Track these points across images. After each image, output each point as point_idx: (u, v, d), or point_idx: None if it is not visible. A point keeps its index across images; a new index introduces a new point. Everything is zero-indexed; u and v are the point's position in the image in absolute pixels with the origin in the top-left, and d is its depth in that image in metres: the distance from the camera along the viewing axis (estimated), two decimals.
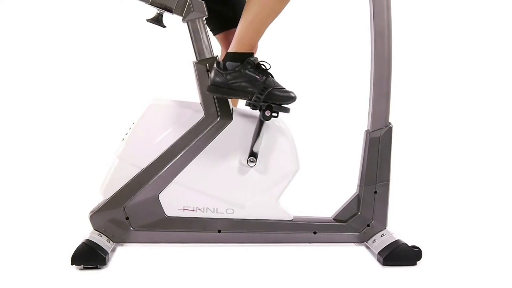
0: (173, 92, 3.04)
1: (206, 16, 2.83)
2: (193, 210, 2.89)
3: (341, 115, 4.21)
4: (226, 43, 3.01)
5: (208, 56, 2.85)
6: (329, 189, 3.39)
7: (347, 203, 2.95)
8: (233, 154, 2.87)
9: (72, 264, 2.75)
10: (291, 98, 2.73)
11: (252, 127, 2.86)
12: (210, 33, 2.89)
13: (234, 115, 2.87)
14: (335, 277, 2.69)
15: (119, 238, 2.88)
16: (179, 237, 2.90)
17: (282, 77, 2.79)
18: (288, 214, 2.92)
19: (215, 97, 2.84)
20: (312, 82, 4.43)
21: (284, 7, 2.73)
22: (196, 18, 2.82)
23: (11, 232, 3.15)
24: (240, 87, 2.73)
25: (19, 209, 3.47)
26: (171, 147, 2.86)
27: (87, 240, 2.80)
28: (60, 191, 3.68)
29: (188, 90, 2.93)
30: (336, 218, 2.96)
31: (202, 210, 2.89)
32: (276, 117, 2.76)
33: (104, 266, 2.76)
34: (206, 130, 2.86)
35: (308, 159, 2.98)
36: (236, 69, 2.72)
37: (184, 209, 2.89)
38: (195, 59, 2.86)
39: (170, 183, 2.87)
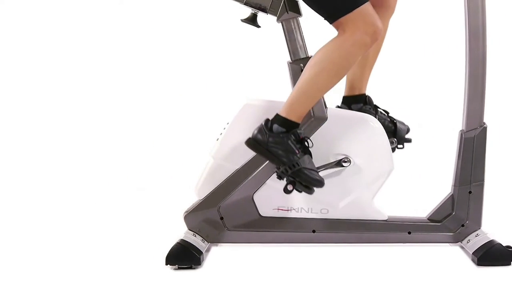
0: (267, 92, 3.04)
1: (301, 16, 2.82)
2: (288, 210, 2.89)
3: (436, 115, 4.18)
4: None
5: (302, 56, 2.84)
6: (424, 189, 3.36)
7: (441, 203, 2.92)
8: (327, 154, 2.86)
9: (166, 264, 2.76)
10: (317, 183, 2.70)
11: (346, 127, 2.85)
12: (305, 33, 2.87)
13: (328, 115, 2.86)
14: (429, 277, 2.67)
15: (214, 238, 2.89)
16: (273, 237, 2.90)
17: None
18: (382, 214, 2.90)
19: None
20: (407, 82, 4.41)
21: (338, 81, 2.70)
22: (291, 18, 2.82)
23: (108, 232, 3.19)
24: (277, 154, 2.70)
25: (115, 209, 3.50)
26: None
27: (182, 240, 2.82)
28: (155, 191, 3.70)
29: (282, 90, 2.92)
30: (431, 218, 2.93)
31: (296, 210, 2.89)
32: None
33: (199, 266, 2.77)
34: (301, 130, 2.84)
35: (402, 159, 2.95)
36: (281, 135, 2.70)
37: (278, 209, 2.89)
38: (289, 59, 2.86)
39: (264, 183, 2.86)
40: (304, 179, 2.68)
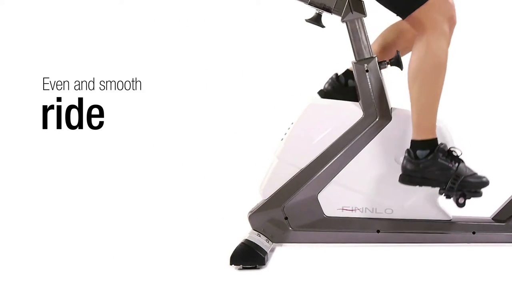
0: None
1: (365, 16, 2.82)
2: (352, 210, 2.89)
3: (501, 114, 4.17)
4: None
5: (367, 56, 2.84)
6: (488, 188, 3.34)
7: (506, 203, 2.90)
8: (392, 154, 2.86)
9: (231, 264, 2.77)
10: (484, 184, 2.73)
11: (409, 127, 2.84)
12: (369, 33, 2.87)
13: (393, 115, 2.86)
14: (493, 277, 2.67)
15: (278, 238, 2.89)
16: (338, 237, 2.89)
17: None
18: (447, 214, 2.89)
19: (374, 97, 2.83)
20: (473, 83, 4.39)
21: (443, 78, 2.70)
22: (355, 18, 2.82)
23: (173, 232, 3.20)
24: (434, 175, 2.71)
25: (181, 210, 3.52)
26: (330, 147, 2.86)
27: (246, 240, 2.82)
28: (219, 191, 3.72)
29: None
30: (495, 218, 2.91)
31: (361, 210, 2.88)
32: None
33: (263, 266, 2.78)
34: (365, 130, 2.85)
35: (466, 158, 2.94)
36: (429, 158, 2.71)
37: (343, 209, 2.88)
38: (354, 59, 2.86)
39: (329, 183, 2.86)
40: (471, 186, 2.71)
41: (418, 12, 2.63)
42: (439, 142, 2.76)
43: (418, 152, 2.72)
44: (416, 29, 2.67)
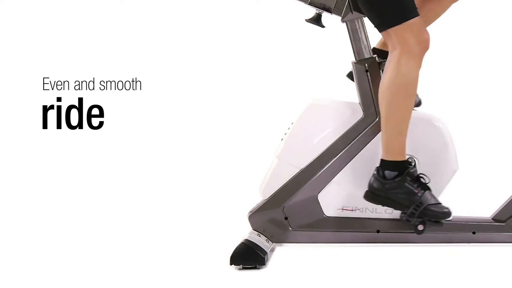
0: (332, 92, 3.04)
1: (365, 16, 2.82)
2: (352, 210, 2.89)
3: (501, 114, 4.17)
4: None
5: (367, 56, 2.84)
6: (488, 189, 3.35)
7: (506, 203, 2.90)
8: None
9: (231, 264, 2.77)
10: (446, 215, 2.72)
11: (411, 127, 2.83)
12: (369, 33, 2.87)
13: None
14: (493, 277, 2.67)
15: (278, 238, 2.89)
16: (338, 237, 2.89)
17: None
18: None
19: (374, 97, 2.84)
20: (473, 83, 4.39)
21: (412, 100, 2.69)
22: (355, 18, 2.82)
23: (173, 232, 3.21)
24: (398, 198, 2.71)
25: (179, 209, 3.52)
26: (330, 147, 2.86)
27: (246, 240, 2.82)
28: (219, 191, 3.72)
29: (346, 90, 2.92)
30: (495, 218, 2.91)
31: (361, 210, 2.88)
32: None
33: (263, 266, 2.78)
34: (365, 130, 2.85)
35: (467, 159, 2.95)
36: (396, 179, 2.70)
37: (343, 209, 2.89)
38: (353, 59, 2.86)
39: (329, 183, 2.86)
40: (432, 216, 2.70)
41: (393, 30, 2.64)
42: (417, 157, 2.79)
43: (387, 173, 2.72)
44: (390, 44, 2.68)
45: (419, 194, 2.70)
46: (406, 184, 2.70)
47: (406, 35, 2.63)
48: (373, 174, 2.74)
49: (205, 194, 3.70)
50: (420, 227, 2.73)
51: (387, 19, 2.66)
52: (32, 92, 4.40)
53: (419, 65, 2.67)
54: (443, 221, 2.74)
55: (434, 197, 2.73)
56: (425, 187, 2.72)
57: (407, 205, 2.70)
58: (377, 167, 2.74)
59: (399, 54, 2.65)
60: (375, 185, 2.73)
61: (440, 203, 2.72)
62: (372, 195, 2.75)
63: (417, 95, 2.89)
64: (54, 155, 4.20)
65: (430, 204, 2.70)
